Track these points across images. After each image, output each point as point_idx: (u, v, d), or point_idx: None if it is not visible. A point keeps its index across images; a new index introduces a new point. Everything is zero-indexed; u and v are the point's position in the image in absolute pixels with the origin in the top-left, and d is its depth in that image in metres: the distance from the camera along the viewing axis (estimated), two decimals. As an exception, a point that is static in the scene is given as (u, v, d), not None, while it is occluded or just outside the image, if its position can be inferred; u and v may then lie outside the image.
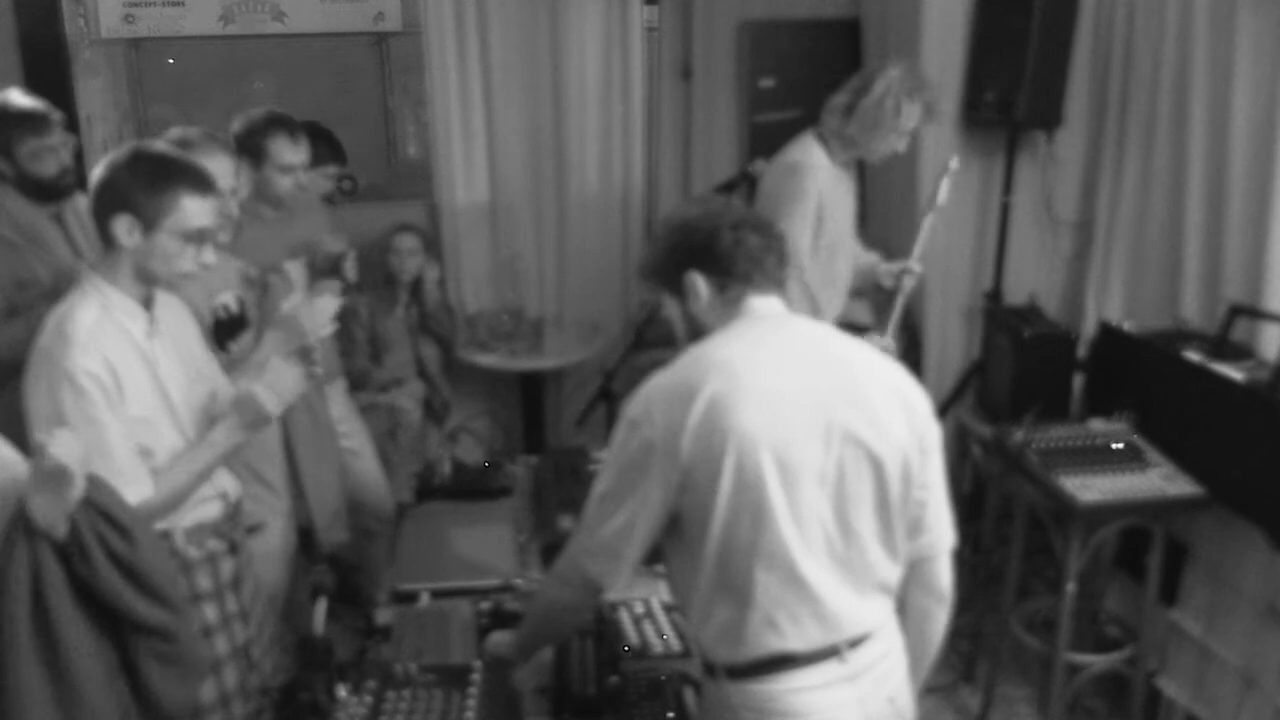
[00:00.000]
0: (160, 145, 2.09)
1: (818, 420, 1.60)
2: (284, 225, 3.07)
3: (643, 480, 1.63)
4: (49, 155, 2.71)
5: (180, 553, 2.09)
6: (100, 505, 1.69)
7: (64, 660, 1.59)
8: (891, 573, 1.72)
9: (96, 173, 1.99)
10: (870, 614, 1.69)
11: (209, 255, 2.04)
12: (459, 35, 4.34)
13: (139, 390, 1.98)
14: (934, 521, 1.75)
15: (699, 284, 1.72)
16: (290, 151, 3.00)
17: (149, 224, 1.94)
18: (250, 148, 2.95)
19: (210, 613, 2.14)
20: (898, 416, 1.66)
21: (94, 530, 1.67)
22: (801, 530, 1.60)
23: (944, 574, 1.80)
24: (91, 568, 1.65)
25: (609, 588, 1.74)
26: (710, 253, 1.71)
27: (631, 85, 4.50)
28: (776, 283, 1.75)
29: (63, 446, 1.58)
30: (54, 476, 1.57)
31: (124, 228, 1.94)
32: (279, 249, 3.02)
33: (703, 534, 1.62)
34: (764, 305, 1.73)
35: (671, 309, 1.80)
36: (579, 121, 4.48)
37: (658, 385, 1.66)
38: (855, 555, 1.66)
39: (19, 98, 2.75)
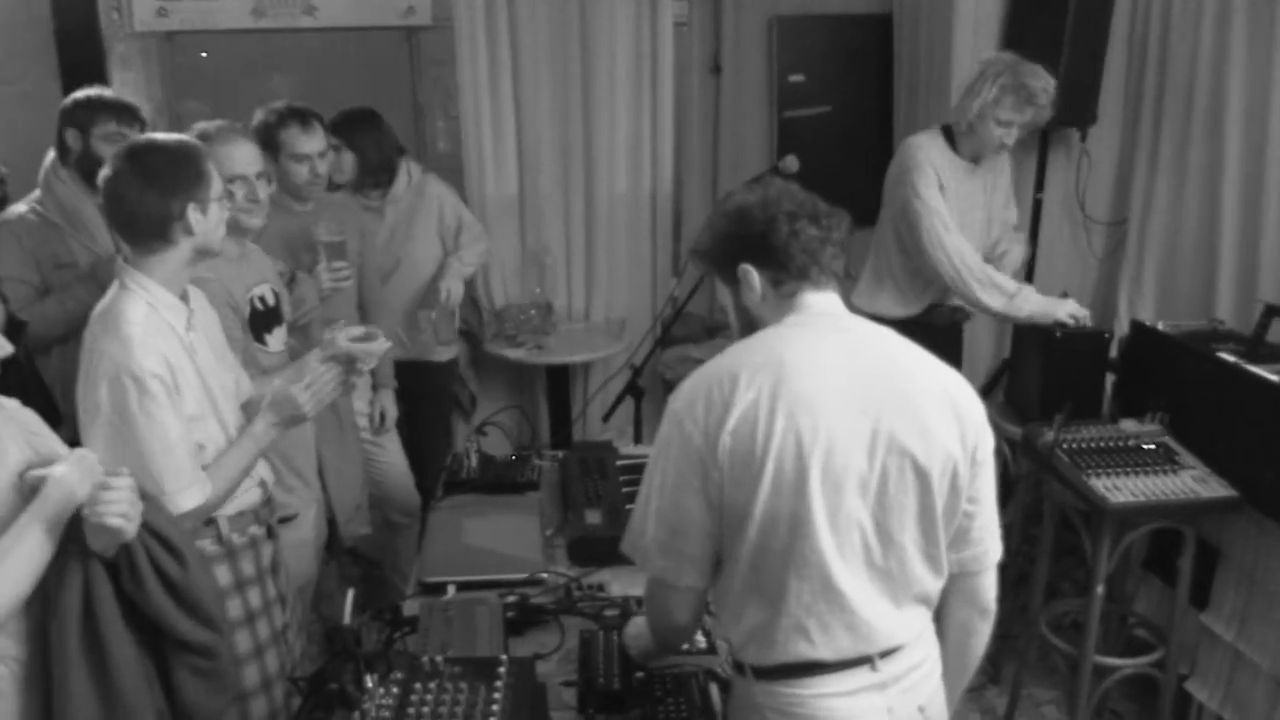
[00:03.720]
0: (149, 137, 2.13)
1: (864, 427, 1.55)
2: (311, 218, 3.08)
3: (686, 476, 1.58)
4: (120, 142, 2.78)
5: (225, 539, 2.12)
6: (153, 526, 1.72)
7: (108, 665, 1.64)
8: (933, 585, 1.66)
9: (113, 187, 1.98)
10: (907, 625, 1.65)
11: (226, 209, 2.12)
12: (489, 29, 4.34)
13: (190, 386, 2.01)
14: (982, 534, 1.69)
15: (753, 277, 1.66)
16: (303, 140, 3.02)
17: (204, 203, 2.01)
18: (266, 140, 2.99)
19: (254, 597, 2.18)
20: (949, 426, 1.60)
21: (146, 551, 1.70)
22: (840, 539, 1.56)
23: (989, 588, 1.75)
24: (142, 589, 1.69)
25: (685, 586, 1.66)
26: (765, 245, 1.65)
27: (661, 80, 4.48)
28: (834, 275, 1.69)
29: (113, 505, 1.60)
30: (107, 531, 1.61)
31: (194, 217, 2.00)
32: (306, 242, 3.04)
33: (738, 535, 1.58)
34: (820, 301, 1.67)
35: (724, 296, 1.75)
36: (608, 116, 4.48)
37: (702, 379, 1.60)
38: (895, 566, 1.60)
39: (112, 93, 2.96)
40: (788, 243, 1.64)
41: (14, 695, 1.59)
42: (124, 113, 2.88)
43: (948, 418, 1.60)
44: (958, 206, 3.19)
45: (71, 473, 1.57)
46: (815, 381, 1.55)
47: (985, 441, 1.66)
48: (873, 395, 1.57)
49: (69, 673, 1.60)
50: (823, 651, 1.59)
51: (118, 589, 1.68)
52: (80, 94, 2.89)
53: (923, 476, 1.57)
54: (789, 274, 1.65)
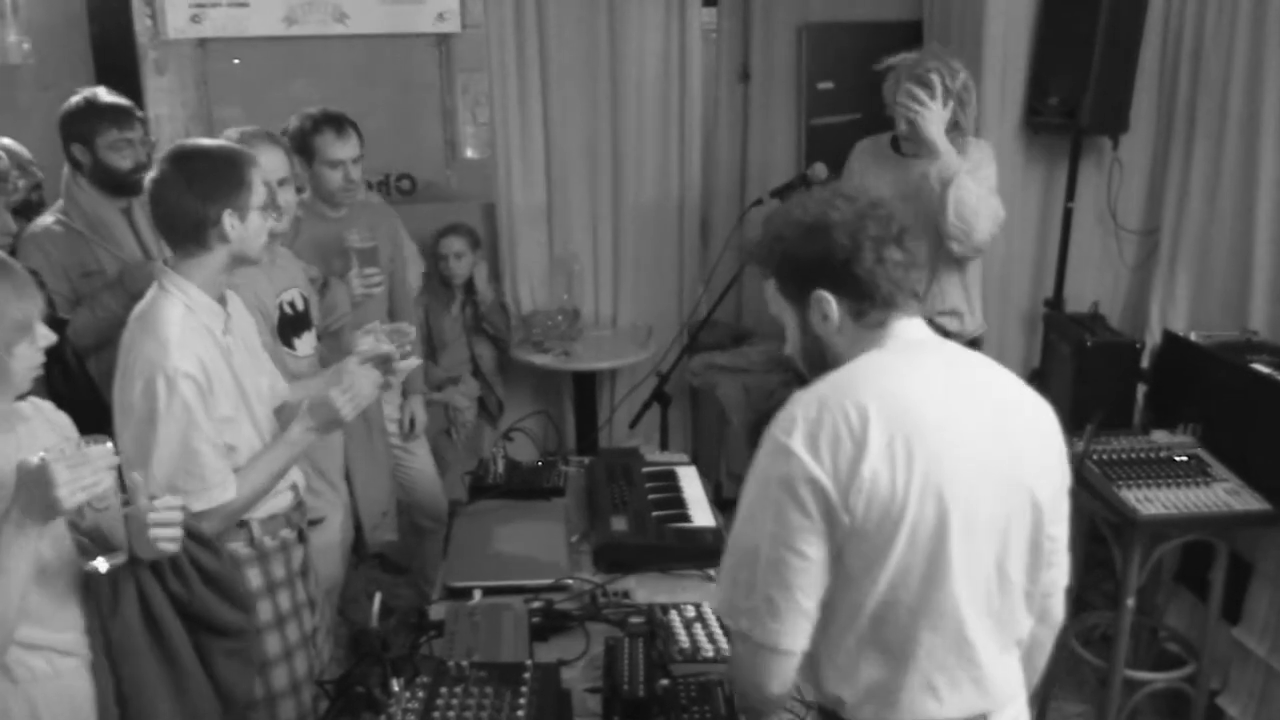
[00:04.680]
0: (194, 141, 2.15)
1: (988, 462, 1.44)
2: (345, 225, 3.11)
3: (806, 523, 1.40)
4: (127, 148, 2.81)
5: (258, 542, 2.14)
6: (186, 526, 1.78)
7: (172, 654, 1.76)
8: (1027, 625, 1.55)
9: (156, 190, 2.01)
10: (1013, 673, 1.54)
11: (283, 218, 2.17)
12: (519, 36, 4.36)
13: (224, 388, 2.03)
14: (1061, 557, 1.59)
15: (830, 306, 1.51)
16: (337, 146, 3.05)
17: (243, 212, 2.02)
18: (301, 146, 3.02)
19: (284, 600, 2.20)
20: (1052, 453, 1.52)
21: (186, 552, 1.77)
22: (971, 588, 1.43)
23: (1061, 606, 1.65)
24: (188, 587, 1.77)
25: (792, 650, 1.46)
26: (847, 273, 1.48)
27: (689, 87, 4.49)
28: (919, 299, 1.54)
29: (167, 531, 1.67)
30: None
31: (229, 224, 2.01)
32: (338, 248, 3.06)
33: (862, 586, 1.42)
34: (910, 329, 1.53)
35: (785, 315, 1.60)
36: (636, 123, 4.49)
37: (817, 410, 1.42)
38: (1006, 609, 1.49)
39: (106, 94, 2.89)
40: (873, 271, 1.48)
41: (87, 685, 1.71)
42: (120, 116, 2.84)
43: (1049, 443, 1.53)
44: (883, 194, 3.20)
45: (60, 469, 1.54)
46: (942, 418, 1.43)
47: (1066, 459, 1.57)
48: (990, 428, 1.46)
49: (140, 665, 1.71)
50: (950, 710, 1.47)
51: (162, 587, 1.75)
52: (73, 105, 2.84)
53: (1037, 510, 1.49)
54: (874, 304, 1.50)
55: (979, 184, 3.08)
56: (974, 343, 3.22)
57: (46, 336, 1.67)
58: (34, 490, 1.52)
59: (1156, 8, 3.61)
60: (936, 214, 3.04)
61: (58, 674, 1.67)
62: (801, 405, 1.45)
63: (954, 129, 3.11)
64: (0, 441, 1.66)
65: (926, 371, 1.49)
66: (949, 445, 1.41)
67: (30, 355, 1.66)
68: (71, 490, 1.52)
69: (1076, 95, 3.56)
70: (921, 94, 3.05)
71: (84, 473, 1.53)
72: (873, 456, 1.38)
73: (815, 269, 1.52)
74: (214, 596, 1.81)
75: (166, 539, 1.67)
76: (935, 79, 3.06)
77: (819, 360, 1.56)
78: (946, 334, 3.16)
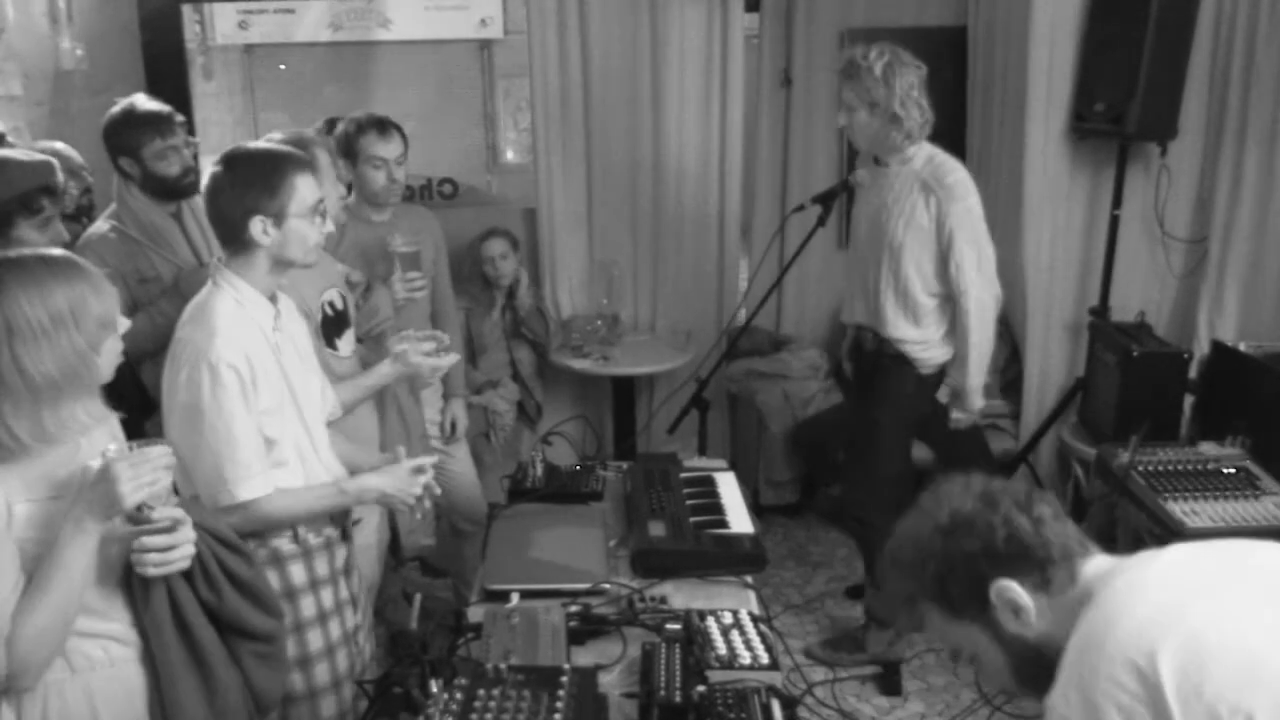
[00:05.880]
0: (248, 144, 2.18)
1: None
2: (388, 229, 3.13)
3: None
4: (173, 155, 2.84)
5: (302, 539, 2.16)
6: (211, 529, 1.80)
7: (202, 655, 1.78)
8: None
9: (207, 190, 2.08)
10: None
11: (330, 224, 2.17)
12: (560, 42, 4.38)
13: (269, 381, 2.06)
14: None
15: (1016, 595, 1.34)
16: (380, 145, 3.09)
17: (279, 217, 2.04)
18: (346, 148, 3.06)
19: (326, 598, 2.22)
20: None
21: (214, 556, 1.79)
22: None
23: None
24: (219, 594, 1.79)
25: None
26: (1016, 547, 1.34)
27: (731, 93, 4.48)
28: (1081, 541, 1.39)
29: (181, 550, 1.69)
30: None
31: (259, 229, 2.03)
32: (381, 252, 3.09)
33: None
34: (1099, 563, 1.37)
35: (969, 640, 1.41)
36: (677, 128, 4.49)
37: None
38: None
39: (144, 102, 2.89)
40: (1036, 532, 1.34)
41: (139, 674, 1.74)
42: (162, 124, 2.84)
43: None
44: (863, 210, 3.26)
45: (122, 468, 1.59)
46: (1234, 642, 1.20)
47: None
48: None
49: (171, 664, 1.74)
50: None
51: (194, 593, 1.77)
52: (115, 117, 2.85)
53: None
54: (1055, 563, 1.34)
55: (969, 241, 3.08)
56: (941, 372, 3.22)
57: (125, 324, 1.72)
58: (97, 488, 1.57)
59: (1207, 10, 3.56)
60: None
61: (113, 662, 1.71)
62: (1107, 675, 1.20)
63: (895, 133, 3.12)
64: (88, 442, 1.69)
65: (1178, 600, 1.25)
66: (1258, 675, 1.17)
67: (114, 347, 1.71)
68: (134, 488, 1.57)
69: (1123, 101, 3.51)
70: (843, 112, 3.16)
71: (144, 470, 1.59)
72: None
73: (981, 563, 1.36)
74: (245, 603, 1.83)
75: (181, 556, 1.69)
76: (850, 94, 3.14)
77: (1036, 660, 1.35)
78: (904, 359, 3.21)
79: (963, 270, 3.07)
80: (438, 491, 2.30)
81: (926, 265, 3.12)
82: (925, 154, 3.15)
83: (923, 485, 1.52)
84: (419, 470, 2.25)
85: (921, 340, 3.18)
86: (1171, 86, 3.55)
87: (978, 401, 3.21)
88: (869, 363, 3.34)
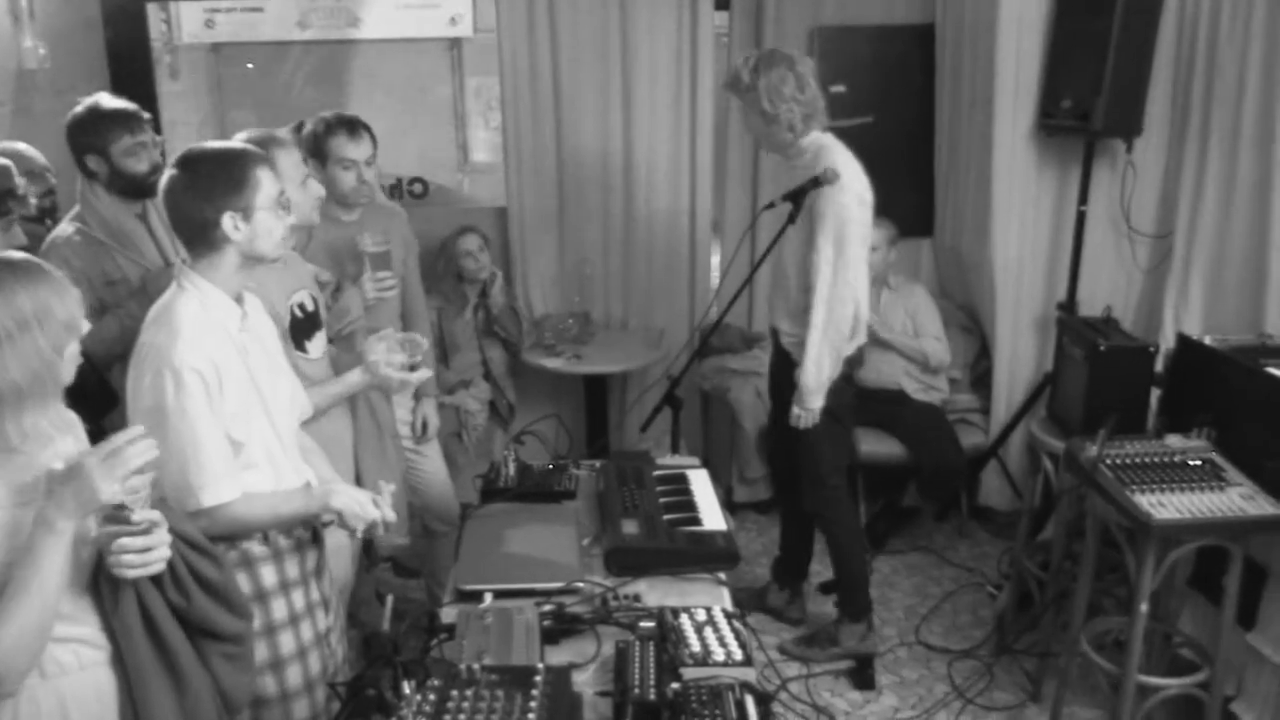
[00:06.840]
0: (201, 144, 2.16)
1: None
2: (357, 229, 3.11)
3: None
4: (142, 152, 2.81)
5: (272, 540, 2.15)
6: (179, 532, 1.78)
7: (171, 658, 1.78)
8: None
9: (166, 193, 2.05)
10: None
11: (293, 215, 2.16)
12: (531, 41, 4.37)
13: (236, 384, 2.04)
14: None
15: None
16: (349, 146, 3.07)
17: (247, 211, 2.03)
18: (315, 149, 3.03)
19: (298, 600, 2.20)
20: None
21: (183, 559, 1.78)
22: None
23: None
24: (188, 598, 1.78)
25: None
26: None
27: (701, 91, 4.49)
28: None
29: (157, 552, 1.68)
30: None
31: (230, 225, 2.02)
32: (351, 251, 3.07)
33: None
34: None
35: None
36: (648, 127, 4.50)
37: None
38: None
39: (109, 99, 2.86)
40: None
41: (108, 676, 1.73)
42: (131, 121, 2.82)
43: None
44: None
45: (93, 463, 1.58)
46: None
47: None
48: None
49: (140, 665, 1.73)
50: None
51: (161, 596, 1.76)
52: (80, 115, 2.82)
53: None
54: None
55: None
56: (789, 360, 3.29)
57: (85, 326, 1.71)
58: (67, 486, 1.56)
59: (1171, 10, 3.60)
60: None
61: (84, 666, 1.70)
62: None
63: (777, 131, 3.17)
64: (52, 449, 1.68)
65: None
66: None
67: (74, 350, 1.70)
68: (109, 483, 1.57)
69: (1090, 98, 3.55)
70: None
71: (115, 464, 1.58)
72: None
73: None
74: (213, 605, 1.82)
75: (158, 559, 1.68)
76: (740, 105, 3.19)
77: None
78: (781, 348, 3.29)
79: (816, 265, 3.10)
80: (393, 517, 2.27)
81: (801, 259, 3.18)
82: (815, 147, 3.19)
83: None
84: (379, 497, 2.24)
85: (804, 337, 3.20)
86: (1136, 84, 3.59)
87: (815, 401, 3.20)
88: (781, 360, 3.39)
